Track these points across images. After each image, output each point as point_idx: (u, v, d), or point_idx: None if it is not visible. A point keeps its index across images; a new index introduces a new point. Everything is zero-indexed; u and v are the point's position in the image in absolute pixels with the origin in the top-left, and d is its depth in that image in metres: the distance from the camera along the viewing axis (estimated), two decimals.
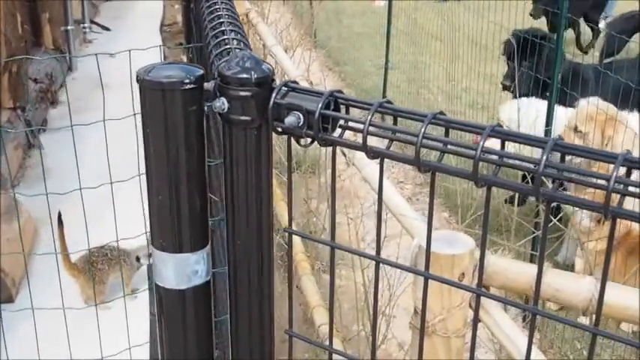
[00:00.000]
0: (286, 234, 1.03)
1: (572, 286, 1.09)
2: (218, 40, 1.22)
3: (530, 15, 6.95)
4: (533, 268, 1.14)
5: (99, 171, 2.57)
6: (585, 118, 3.22)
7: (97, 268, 3.19)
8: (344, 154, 1.74)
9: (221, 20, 1.31)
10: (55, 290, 2.73)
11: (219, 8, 1.43)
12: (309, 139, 0.91)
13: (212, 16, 1.38)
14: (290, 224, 1.00)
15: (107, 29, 7.50)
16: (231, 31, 1.23)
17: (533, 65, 3.91)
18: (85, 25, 7.06)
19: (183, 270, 1.00)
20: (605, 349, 2.99)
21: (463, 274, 1.09)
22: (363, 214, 2.51)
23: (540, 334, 3.02)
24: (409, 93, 5.98)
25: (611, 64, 3.90)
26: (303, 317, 2.72)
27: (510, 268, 1.15)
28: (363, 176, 1.62)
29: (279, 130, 0.93)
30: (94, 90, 5.25)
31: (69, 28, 6.19)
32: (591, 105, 3.28)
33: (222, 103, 0.93)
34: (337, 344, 2.16)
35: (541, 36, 4.01)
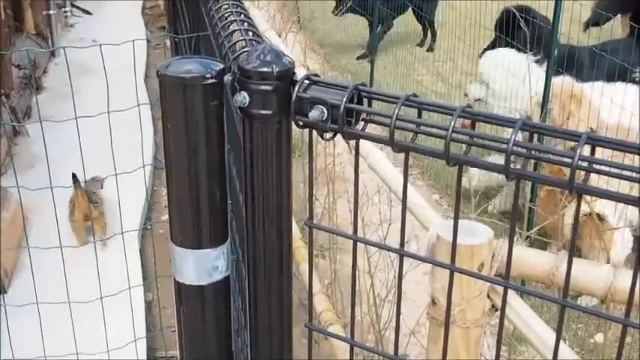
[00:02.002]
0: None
1: (590, 274, 1.09)
2: (227, 32, 1.20)
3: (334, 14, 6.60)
4: (549, 257, 1.15)
5: (89, 160, 2.53)
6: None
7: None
8: (347, 142, 1.73)
9: (229, 10, 1.28)
10: (47, 281, 2.70)
11: None
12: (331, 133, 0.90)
13: (218, 5, 1.35)
14: (311, 217, 0.99)
15: (88, 13, 7.39)
16: (242, 21, 1.21)
17: (521, 41, 3.90)
18: (66, 9, 6.95)
19: (204, 266, 0.99)
20: (599, 331, 3.02)
21: (482, 264, 1.09)
22: (365, 200, 2.50)
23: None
24: (397, 74, 5.97)
25: (606, 45, 3.90)
26: (299, 303, 2.72)
27: (527, 257, 1.15)
28: (369, 164, 1.62)
29: (301, 124, 0.92)
30: (78, 75, 5.17)
31: (51, 12, 6.08)
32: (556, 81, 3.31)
33: (243, 97, 0.91)
34: (339, 330, 2.16)
35: (533, 14, 4.01)
